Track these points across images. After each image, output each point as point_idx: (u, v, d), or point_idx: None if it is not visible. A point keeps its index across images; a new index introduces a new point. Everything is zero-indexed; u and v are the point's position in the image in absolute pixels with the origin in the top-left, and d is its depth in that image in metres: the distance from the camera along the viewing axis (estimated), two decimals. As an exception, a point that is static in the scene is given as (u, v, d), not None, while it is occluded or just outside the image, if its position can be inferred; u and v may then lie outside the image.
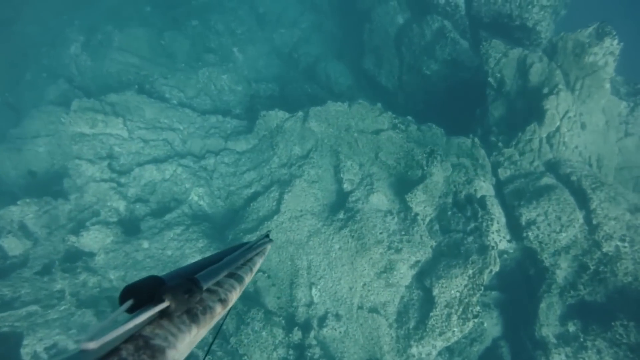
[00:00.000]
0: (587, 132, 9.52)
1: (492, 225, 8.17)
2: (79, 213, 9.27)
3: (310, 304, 8.07)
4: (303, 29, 17.61)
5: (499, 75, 10.31)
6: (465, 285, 7.54)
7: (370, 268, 8.21)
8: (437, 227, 8.78)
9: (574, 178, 8.77)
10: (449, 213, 8.80)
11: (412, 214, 8.81)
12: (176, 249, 9.01)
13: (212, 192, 10.30)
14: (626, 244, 8.03)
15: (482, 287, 7.55)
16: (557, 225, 8.24)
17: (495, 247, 7.92)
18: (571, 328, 8.11)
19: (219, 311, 1.23)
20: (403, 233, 8.52)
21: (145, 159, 10.63)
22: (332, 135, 10.39)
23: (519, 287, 9.19)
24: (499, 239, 8.17)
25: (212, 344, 1.89)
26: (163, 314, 1.00)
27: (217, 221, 9.95)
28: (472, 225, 8.28)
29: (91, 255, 8.48)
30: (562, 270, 8.42)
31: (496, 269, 7.64)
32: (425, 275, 8.09)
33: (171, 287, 1.04)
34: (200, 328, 1.10)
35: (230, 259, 1.51)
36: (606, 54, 9.46)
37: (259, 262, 1.71)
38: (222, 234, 9.43)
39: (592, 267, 8.16)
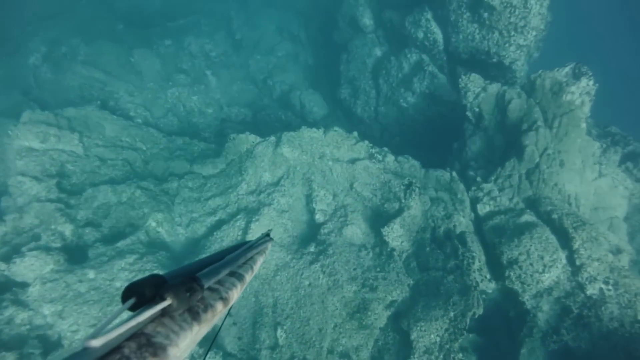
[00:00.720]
0: (565, 170, 9.35)
1: (473, 263, 7.66)
2: (15, 236, 8.17)
3: (274, 347, 7.21)
4: (279, 57, 17.39)
5: (477, 109, 10.15)
6: (446, 330, 6.89)
7: (342, 307, 7.47)
8: (414, 264, 8.19)
9: (555, 216, 8.46)
10: (428, 249, 8.26)
11: (389, 249, 8.22)
12: (126, 281, 8.00)
13: (173, 219, 9.43)
14: (610, 287, 7.67)
15: (465, 332, 6.93)
16: (540, 265, 7.82)
17: (477, 287, 7.37)
18: (555, 377, 7.57)
19: (220, 309, 1.22)
20: (378, 269, 7.88)
21: (100, 179, 9.71)
22: (305, 163, 9.83)
23: (499, 330, 8.63)
24: (481, 278, 7.65)
25: (213, 341, 1.94)
26: (165, 312, 0.99)
27: (176, 250, 9.04)
28: (452, 263, 7.75)
29: (24, 286, 7.36)
30: (544, 313, 7.95)
31: (480, 311, 7.06)
32: (402, 317, 7.41)
33: (173, 286, 1.03)
34: (201, 326, 1.09)
35: (231, 257, 1.51)
36: (582, 93, 9.47)
37: (259, 261, 1.71)
38: (180, 265, 8.50)
39: (575, 311, 7.72)
